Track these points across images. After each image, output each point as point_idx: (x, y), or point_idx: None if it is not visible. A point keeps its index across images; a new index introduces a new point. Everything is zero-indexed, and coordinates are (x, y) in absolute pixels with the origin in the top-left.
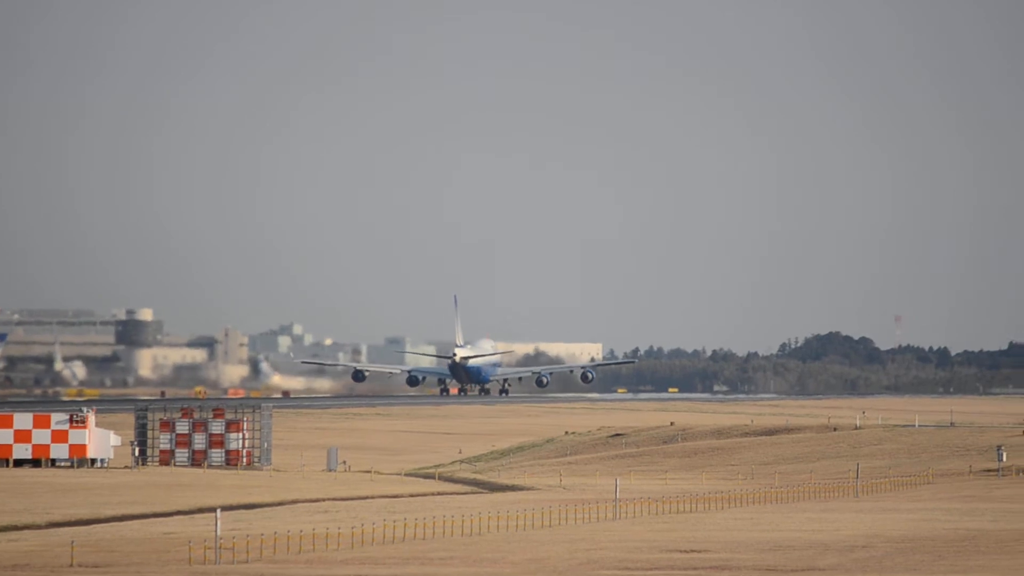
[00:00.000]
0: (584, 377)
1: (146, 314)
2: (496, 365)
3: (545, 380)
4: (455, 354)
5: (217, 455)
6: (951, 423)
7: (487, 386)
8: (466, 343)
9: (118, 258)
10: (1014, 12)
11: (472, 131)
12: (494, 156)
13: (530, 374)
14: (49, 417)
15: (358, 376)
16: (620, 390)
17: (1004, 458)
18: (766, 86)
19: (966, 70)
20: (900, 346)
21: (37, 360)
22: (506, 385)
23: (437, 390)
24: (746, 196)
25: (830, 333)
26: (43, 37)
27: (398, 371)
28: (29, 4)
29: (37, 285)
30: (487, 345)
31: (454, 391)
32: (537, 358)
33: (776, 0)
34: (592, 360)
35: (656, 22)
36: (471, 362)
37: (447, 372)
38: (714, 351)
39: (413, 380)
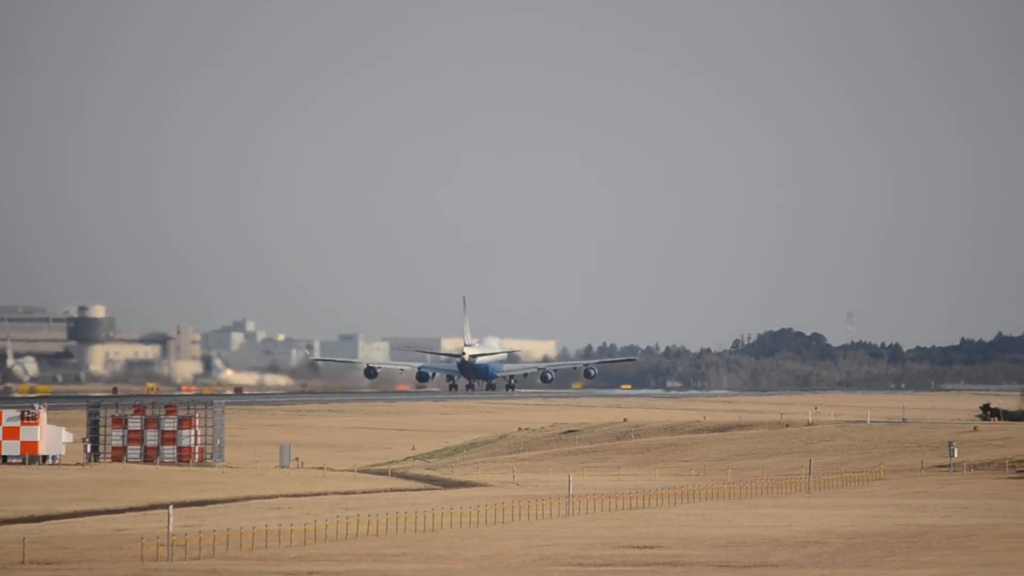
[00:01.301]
0: (587, 374)
1: (98, 311)
2: (502, 362)
3: (550, 376)
4: (464, 353)
5: (169, 452)
6: (903, 419)
7: (493, 382)
8: (474, 342)
9: (70, 255)
10: (1014, 11)
11: (424, 127)
12: (470, 153)
13: (535, 371)
14: (0, 414)
15: (370, 372)
16: (576, 385)
17: (955, 454)
18: (739, 81)
19: (941, 68)
20: (852, 342)
21: None
22: (512, 381)
23: (446, 386)
24: (699, 195)
25: (783, 329)
26: (43, 37)
27: (408, 367)
28: (29, 4)
29: None
30: (494, 343)
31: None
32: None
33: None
34: (546, 358)
35: (656, 21)
36: (479, 360)
37: (456, 369)
38: (667, 347)
39: (423, 376)
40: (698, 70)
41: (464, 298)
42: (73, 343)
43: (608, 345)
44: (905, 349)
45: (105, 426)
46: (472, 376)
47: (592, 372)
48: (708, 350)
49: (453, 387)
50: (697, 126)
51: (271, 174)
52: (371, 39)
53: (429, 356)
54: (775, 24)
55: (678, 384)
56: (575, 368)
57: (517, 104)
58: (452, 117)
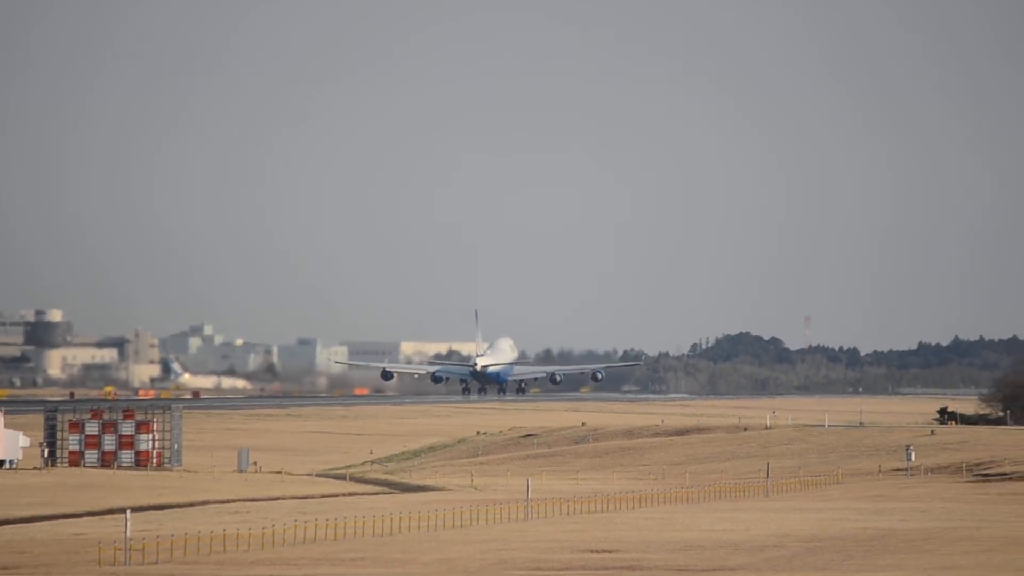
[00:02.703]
0: (594, 377)
1: (55, 315)
2: (513, 366)
3: (559, 378)
4: (476, 363)
5: (127, 456)
6: (860, 423)
7: (504, 386)
8: (487, 346)
9: (27, 259)
10: (1014, 11)
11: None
12: (445, 155)
13: (544, 375)
14: None
15: (386, 375)
16: (533, 390)
17: (913, 458)
18: (722, 82)
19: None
20: (810, 346)
21: None
22: (522, 384)
23: (459, 389)
24: (657, 201)
25: (740, 333)
26: (43, 37)
27: (423, 371)
28: (29, 4)
29: None
30: (505, 344)
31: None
32: (449, 357)
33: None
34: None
35: (657, 21)
36: (490, 369)
37: (468, 374)
38: (625, 351)
39: (437, 379)
40: (697, 71)
41: (476, 312)
42: (30, 347)
43: (566, 350)
44: (863, 353)
45: (62, 430)
46: (484, 381)
47: (599, 376)
48: (666, 354)
49: (466, 390)
50: (661, 129)
51: (231, 179)
52: (371, 39)
53: (440, 361)
54: (772, 23)
55: (635, 388)
56: (582, 372)
57: (506, 105)
58: (444, 119)
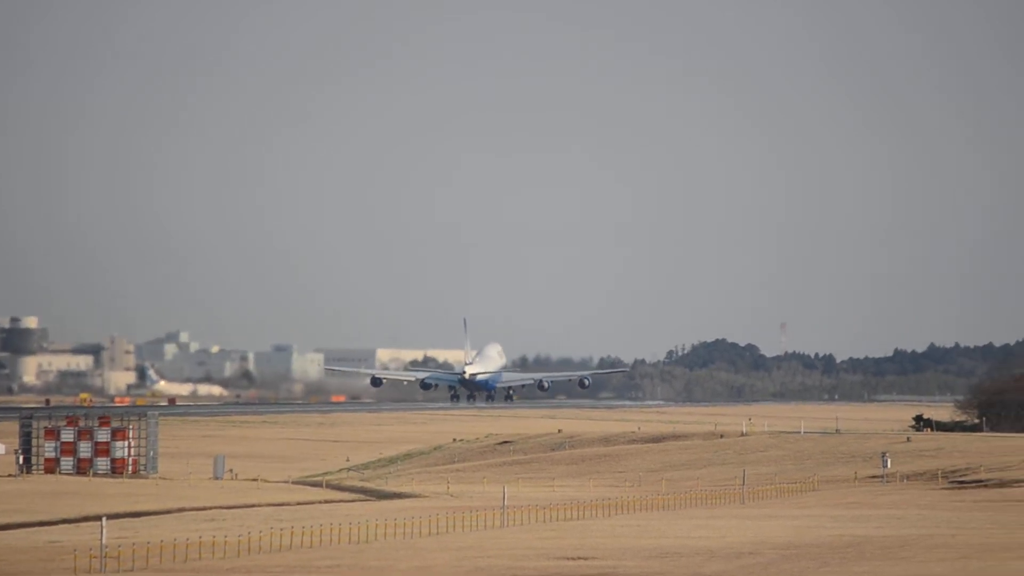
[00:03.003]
0: (582, 384)
1: (31, 321)
2: (501, 373)
3: (546, 385)
4: (464, 372)
5: (103, 463)
6: (836, 430)
7: (493, 393)
8: (475, 353)
9: (2, 265)
10: (1015, 11)
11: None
12: (418, 161)
13: (532, 382)
14: None
15: (376, 382)
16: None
17: (888, 464)
18: (705, 84)
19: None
20: (786, 353)
21: None
22: (510, 392)
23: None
24: (630, 202)
25: (716, 340)
26: (42, 38)
27: (413, 379)
28: (29, 4)
29: None
30: (493, 351)
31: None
32: (426, 364)
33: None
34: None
35: (657, 22)
36: (479, 377)
37: (457, 381)
38: (602, 359)
39: (426, 386)
40: (696, 71)
41: (465, 319)
42: (5, 354)
43: (543, 356)
44: (839, 360)
45: (38, 437)
46: (472, 389)
47: (587, 382)
48: (642, 361)
49: (455, 397)
50: (644, 137)
51: (212, 186)
52: (371, 39)
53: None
54: (772, 23)
55: (611, 395)
56: (570, 380)
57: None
58: (441, 119)
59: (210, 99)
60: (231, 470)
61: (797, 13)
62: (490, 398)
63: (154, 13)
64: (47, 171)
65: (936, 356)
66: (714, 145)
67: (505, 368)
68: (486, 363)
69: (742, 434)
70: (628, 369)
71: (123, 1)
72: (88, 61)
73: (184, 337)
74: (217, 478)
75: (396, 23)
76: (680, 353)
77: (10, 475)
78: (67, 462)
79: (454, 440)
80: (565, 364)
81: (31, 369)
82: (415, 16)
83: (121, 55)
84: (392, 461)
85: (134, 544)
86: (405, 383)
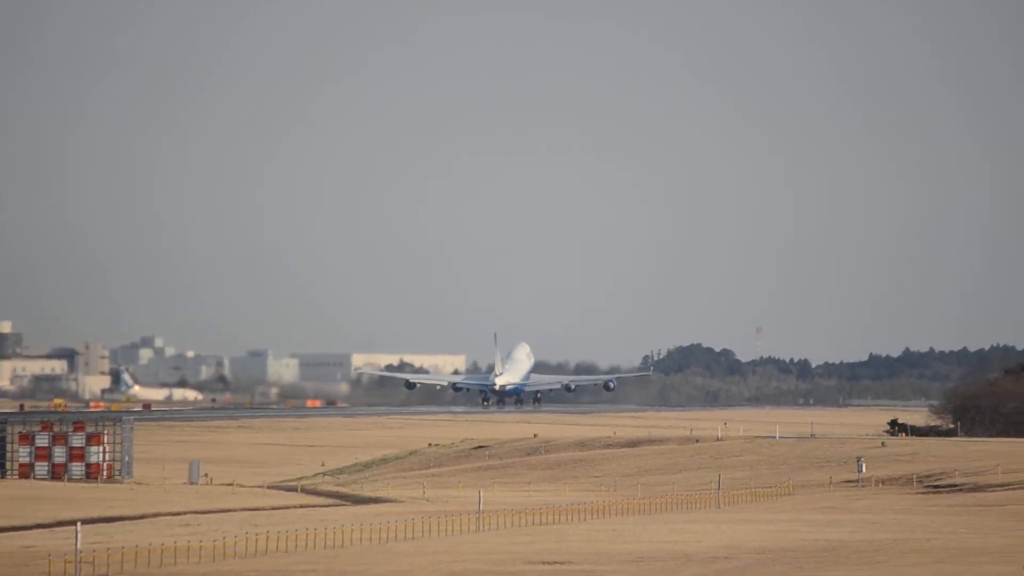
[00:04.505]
0: (607, 386)
1: (5, 327)
2: (529, 375)
3: (573, 387)
4: (495, 383)
5: (78, 468)
6: (812, 434)
7: (521, 397)
8: (506, 354)
9: None
10: (1017, 12)
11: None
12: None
13: (559, 386)
14: None
15: (409, 385)
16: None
17: (864, 469)
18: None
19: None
20: (761, 358)
21: None
22: (538, 395)
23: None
24: (609, 208)
25: (692, 345)
26: (41, 40)
27: (445, 383)
28: (28, 7)
29: None
30: (522, 353)
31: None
32: (402, 368)
33: (783, 3)
34: (456, 371)
35: (659, 21)
36: (508, 388)
37: (487, 387)
38: (577, 364)
39: (458, 389)
40: (685, 76)
41: (495, 334)
42: None
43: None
44: (814, 365)
45: (12, 442)
46: (502, 395)
47: (611, 385)
48: (618, 367)
49: (485, 400)
50: (624, 145)
51: (185, 193)
52: (370, 40)
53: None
54: (766, 20)
55: (587, 399)
56: (595, 384)
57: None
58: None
59: (192, 106)
60: (206, 475)
61: (797, 13)
62: (519, 402)
63: (138, 17)
64: (26, 177)
65: (911, 361)
66: (691, 152)
67: (533, 369)
68: (514, 367)
69: (717, 439)
70: (650, 372)
71: (119, 7)
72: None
73: (159, 342)
74: (192, 483)
75: (396, 23)
76: (656, 358)
77: None
78: (42, 467)
79: (429, 445)
80: (541, 367)
81: (5, 374)
82: (415, 17)
83: (118, 60)
84: (368, 466)
85: (109, 549)
86: (438, 388)
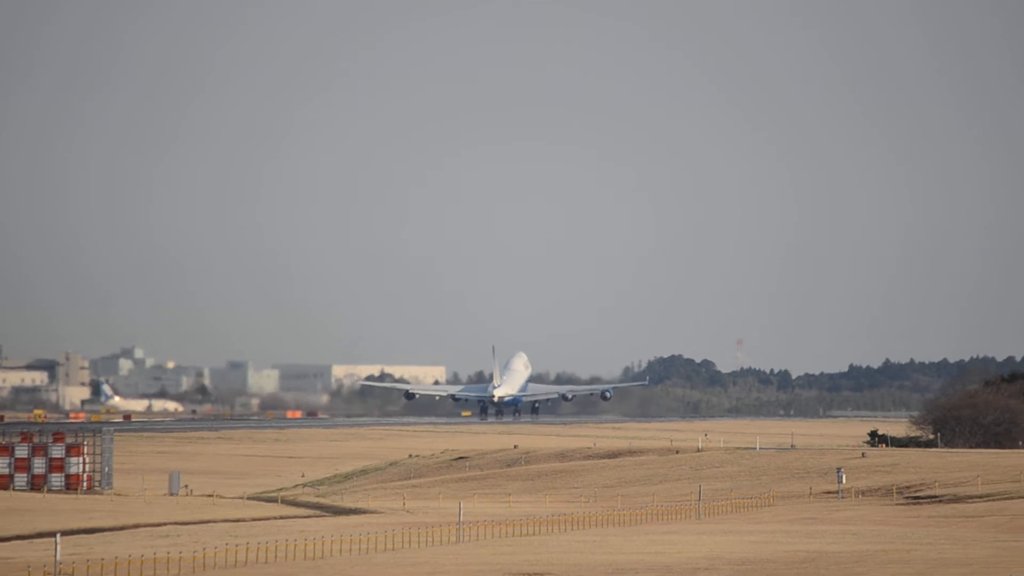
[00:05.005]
0: (603, 396)
1: None
2: (526, 385)
3: (570, 397)
4: (494, 395)
5: (57, 479)
6: (792, 445)
7: (519, 407)
8: (504, 365)
9: None
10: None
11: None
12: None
13: (556, 396)
14: None
15: (409, 396)
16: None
17: (844, 480)
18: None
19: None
20: (741, 369)
21: None
22: (536, 405)
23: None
24: (589, 220)
25: (672, 356)
26: (41, 44)
27: (444, 394)
28: (27, 19)
29: None
30: (520, 363)
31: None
32: (382, 379)
33: (786, 5)
34: (436, 382)
35: (658, 22)
36: (506, 399)
37: (487, 398)
38: (558, 374)
39: (457, 400)
40: (675, 78)
41: (494, 347)
42: None
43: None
44: (794, 376)
45: None
46: (500, 406)
47: (608, 395)
48: (598, 377)
49: (484, 411)
50: (595, 154)
51: (157, 201)
52: (369, 41)
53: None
54: (764, 17)
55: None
56: (591, 394)
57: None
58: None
59: (177, 117)
60: (186, 486)
61: (796, 12)
62: (517, 412)
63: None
64: (7, 188)
65: (891, 372)
66: (673, 166)
67: (530, 379)
68: (512, 377)
69: (698, 450)
70: (647, 383)
71: (119, 14)
72: None
73: (139, 353)
74: (172, 494)
75: (397, 22)
76: (636, 369)
77: None
78: (21, 478)
79: (410, 456)
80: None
81: None
82: (417, 16)
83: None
84: (348, 477)
85: (88, 561)
86: (437, 398)
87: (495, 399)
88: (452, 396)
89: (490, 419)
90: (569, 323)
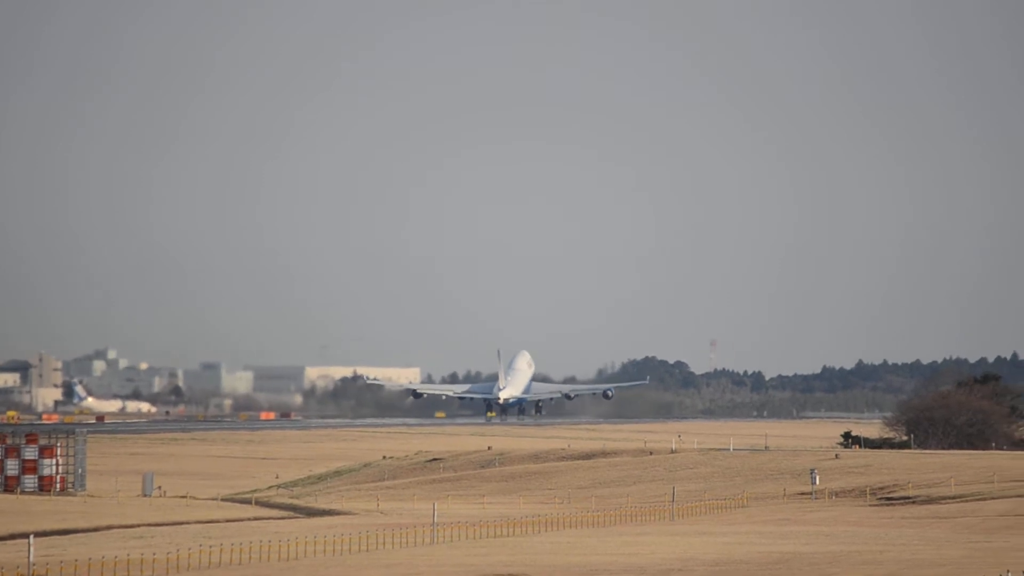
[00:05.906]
0: (605, 395)
1: None
2: (530, 384)
3: (572, 396)
4: (499, 397)
5: (30, 481)
6: (766, 447)
7: (523, 407)
8: (508, 365)
9: None
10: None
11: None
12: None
13: (560, 395)
14: None
15: (416, 395)
16: (432, 414)
17: (817, 481)
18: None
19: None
20: (715, 370)
21: None
22: (539, 405)
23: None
24: (564, 221)
25: (646, 358)
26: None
27: (451, 393)
28: (27, 19)
29: None
30: (523, 362)
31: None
32: (355, 381)
33: (786, 5)
34: (410, 383)
35: (659, 22)
36: (511, 401)
37: (493, 399)
38: (533, 376)
39: (464, 400)
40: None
41: (499, 351)
42: None
43: (473, 372)
44: (767, 377)
45: None
46: (505, 407)
47: (610, 394)
48: (572, 378)
49: (489, 408)
50: (575, 155)
51: (127, 203)
52: (370, 40)
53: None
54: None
55: (543, 411)
56: (593, 393)
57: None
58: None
59: (171, 119)
60: (160, 487)
61: (795, 12)
62: (521, 412)
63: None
64: None
65: (864, 373)
66: (649, 169)
67: (533, 378)
68: (516, 377)
69: (672, 451)
70: (647, 382)
71: (117, 17)
72: None
73: (112, 354)
74: (146, 495)
75: (397, 23)
76: (610, 371)
77: None
78: None
79: (384, 457)
80: (495, 380)
81: None
82: (416, 18)
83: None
84: (322, 478)
85: (62, 562)
86: (444, 398)
87: (500, 401)
88: (459, 396)
89: (496, 420)
90: (542, 325)
